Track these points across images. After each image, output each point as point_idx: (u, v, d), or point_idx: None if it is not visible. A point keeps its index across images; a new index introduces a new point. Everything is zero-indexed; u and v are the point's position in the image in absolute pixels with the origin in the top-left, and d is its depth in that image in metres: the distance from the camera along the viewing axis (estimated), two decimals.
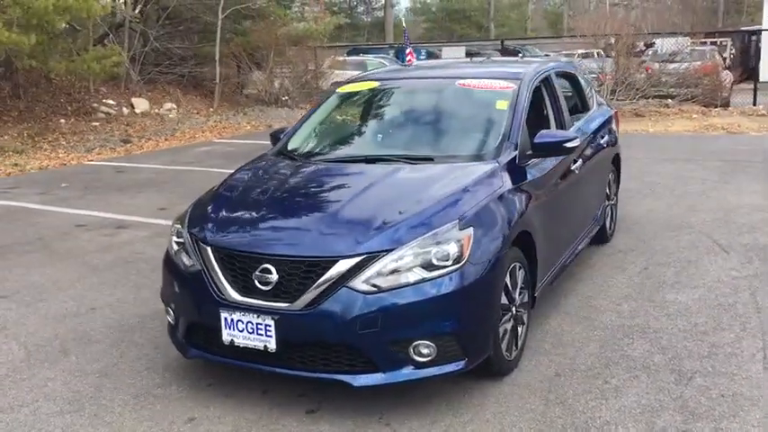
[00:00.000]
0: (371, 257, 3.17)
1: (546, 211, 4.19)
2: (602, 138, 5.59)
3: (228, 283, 3.33)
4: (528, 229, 3.81)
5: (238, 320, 3.27)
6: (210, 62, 17.91)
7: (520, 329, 3.80)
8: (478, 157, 3.99)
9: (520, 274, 3.75)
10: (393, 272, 3.17)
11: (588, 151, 5.15)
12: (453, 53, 18.04)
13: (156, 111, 17.20)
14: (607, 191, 5.85)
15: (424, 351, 3.21)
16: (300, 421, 3.30)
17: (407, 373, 3.22)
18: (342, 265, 3.16)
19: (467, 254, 3.26)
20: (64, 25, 13.51)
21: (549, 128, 4.79)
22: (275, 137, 4.83)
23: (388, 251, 3.19)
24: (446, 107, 4.62)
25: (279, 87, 17.16)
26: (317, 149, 4.53)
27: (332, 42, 22.70)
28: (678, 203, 7.40)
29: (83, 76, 14.87)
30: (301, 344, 3.23)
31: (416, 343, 3.19)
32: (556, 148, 4.12)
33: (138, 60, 17.47)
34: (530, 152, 4.10)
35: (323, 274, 3.17)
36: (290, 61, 17.39)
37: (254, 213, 3.67)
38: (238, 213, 3.69)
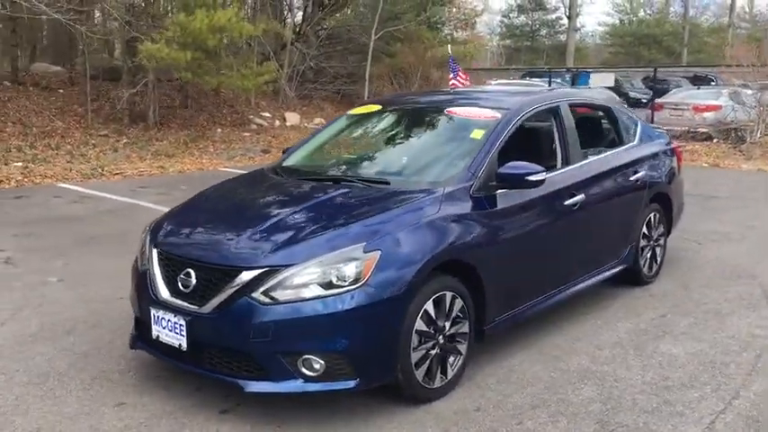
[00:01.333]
0: (273, 271, 3.35)
1: (514, 244, 4.13)
2: (634, 174, 5.32)
3: (163, 283, 3.65)
4: (467, 260, 3.79)
5: (162, 318, 3.59)
6: (361, 80, 18.68)
7: (452, 359, 3.79)
8: (431, 183, 4.02)
9: (455, 304, 3.74)
10: (292, 287, 3.32)
11: (600, 187, 4.94)
12: (601, 80, 17.45)
13: (306, 124, 18.22)
14: (645, 230, 5.54)
15: (314, 366, 3.33)
16: (207, 419, 3.54)
17: (297, 385, 3.36)
18: (245, 276, 3.37)
19: (366, 276, 3.34)
20: (225, 43, 14.70)
21: (549, 160, 4.70)
22: (285, 152, 5.13)
23: (287, 266, 3.35)
24: (425, 134, 4.70)
25: None
26: (300, 167, 4.75)
27: (500, 66, 22.77)
28: (758, 251, 6.78)
29: (240, 90, 16.11)
30: (208, 345, 3.47)
31: (306, 357, 3.32)
32: (518, 181, 4.04)
33: (296, 77, 18.61)
34: (493, 183, 4.06)
35: (229, 283, 3.39)
36: (435, 84, 17.71)
37: (201, 222, 3.98)
38: (188, 221, 4.02)
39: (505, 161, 4.30)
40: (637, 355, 4.33)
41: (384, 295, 3.37)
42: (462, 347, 3.85)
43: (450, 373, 3.79)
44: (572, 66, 36.08)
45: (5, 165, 12.26)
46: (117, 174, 11.97)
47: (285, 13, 18.70)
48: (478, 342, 4.04)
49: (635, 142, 5.59)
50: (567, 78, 24.24)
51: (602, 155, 5.17)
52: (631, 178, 5.30)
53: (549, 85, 19.14)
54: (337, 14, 19.68)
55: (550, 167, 4.72)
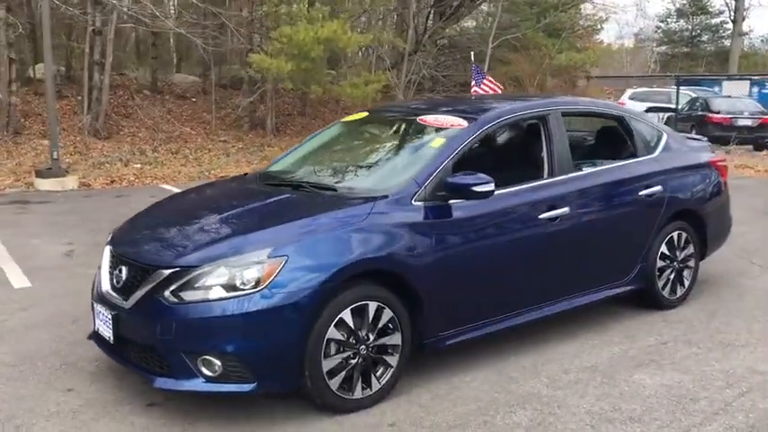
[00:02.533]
0: (183, 271, 3.46)
1: (469, 257, 4.00)
2: (645, 188, 4.93)
3: (106, 279, 3.88)
4: (397, 270, 3.71)
5: (100, 311, 3.81)
6: None
7: (380, 371, 3.72)
8: (372, 191, 3.97)
9: (382, 315, 3.68)
10: (198, 288, 3.42)
11: (593, 201, 4.64)
12: (734, 87, 16.16)
13: None
14: (665, 250, 5.12)
15: (213, 366, 3.41)
16: (132, 411, 3.70)
17: (198, 383, 3.44)
18: (159, 275, 3.51)
19: (267, 281, 3.37)
20: (335, 53, 15.12)
21: (536, 170, 4.50)
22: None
23: (195, 267, 3.45)
24: (392, 142, 4.62)
25: None
26: (276, 172, 4.82)
27: (654, 73, 21.75)
28: None
29: (350, 98, 16.50)
30: (128, 340, 3.64)
31: (205, 357, 3.40)
32: (464, 191, 3.89)
33: (412, 86, 18.78)
34: (442, 193, 3.95)
35: (146, 280, 3.55)
36: (551, 92, 17.21)
37: (149, 223, 4.17)
38: (142, 222, 4.23)
39: (482, 170, 4.17)
40: (601, 383, 4.03)
41: (285, 301, 3.38)
42: (392, 360, 3.77)
43: (376, 386, 3.72)
44: (734, 73, 33.63)
45: (125, 166, 13.35)
46: (222, 175, 12.65)
47: (407, 23, 18.88)
48: (420, 355, 3.93)
49: (654, 155, 5.18)
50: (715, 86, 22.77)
51: (601, 167, 4.84)
52: (641, 193, 4.92)
53: (677, 95, 18.01)
54: (456, 24, 19.61)
55: (537, 178, 4.52)
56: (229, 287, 3.39)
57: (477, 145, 4.28)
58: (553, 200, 4.42)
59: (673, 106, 18.17)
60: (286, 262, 3.43)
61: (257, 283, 3.37)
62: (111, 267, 3.87)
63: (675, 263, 5.23)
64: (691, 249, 5.33)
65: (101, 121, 15.33)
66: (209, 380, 3.43)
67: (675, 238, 5.20)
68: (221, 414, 3.63)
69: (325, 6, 14.73)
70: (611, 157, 5.12)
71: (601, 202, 4.70)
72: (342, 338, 3.57)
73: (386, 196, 3.86)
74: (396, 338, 3.77)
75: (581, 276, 4.67)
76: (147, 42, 18.71)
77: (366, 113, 5.10)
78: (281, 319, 3.38)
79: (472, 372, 4.18)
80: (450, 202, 3.98)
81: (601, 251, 4.74)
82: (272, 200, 4.09)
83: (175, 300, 3.44)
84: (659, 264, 5.13)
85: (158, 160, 14.04)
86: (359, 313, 3.62)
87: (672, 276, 5.23)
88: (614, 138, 5.24)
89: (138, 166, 13.41)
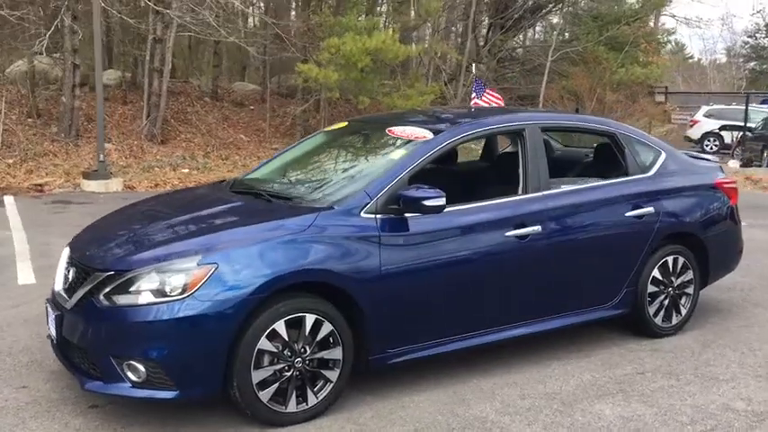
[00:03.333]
0: (117, 275, 3.48)
1: (422, 272, 3.89)
2: (634, 209, 4.69)
3: (60, 278, 3.95)
4: (337, 283, 3.63)
5: (49, 312, 3.87)
6: (535, 102, 18.23)
7: (319, 385, 3.65)
8: (320, 202, 3.91)
9: (321, 328, 3.61)
10: (129, 292, 3.43)
11: (571, 220, 4.44)
12: None
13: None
14: (657, 275, 4.85)
15: (137, 371, 3.41)
16: (72, 411, 3.73)
17: (125, 388, 3.45)
18: (96, 277, 3.54)
19: (193, 288, 3.35)
20: (384, 64, 15.14)
21: (512, 186, 4.36)
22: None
23: (128, 271, 3.47)
24: (359, 153, 4.53)
25: None
26: (248, 179, 4.81)
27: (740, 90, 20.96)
28: None
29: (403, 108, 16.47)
30: (68, 340, 3.68)
31: (130, 362, 3.41)
32: (414, 205, 3.79)
33: (467, 97, 18.62)
34: (395, 206, 3.85)
35: (85, 282, 3.59)
36: (610, 107, 16.74)
37: (106, 226, 4.22)
38: (102, 224, 4.29)
39: (451, 185, 4.08)
40: (556, 411, 3.83)
41: (210, 310, 3.35)
42: (332, 374, 3.69)
43: (313, 400, 3.65)
44: None
45: (173, 170, 13.70)
46: None
47: (467, 34, 18.76)
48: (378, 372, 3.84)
49: (649, 174, 4.91)
50: None
51: (583, 185, 4.63)
52: (629, 213, 4.68)
53: (746, 113, 17.23)
54: (517, 37, 19.36)
55: (511, 194, 4.37)
56: (158, 293, 3.39)
57: (443, 158, 4.14)
58: (523, 217, 4.25)
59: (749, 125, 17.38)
60: (215, 270, 3.40)
61: (183, 289, 3.36)
62: (65, 268, 3.94)
63: (670, 289, 4.95)
64: (689, 275, 5.03)
65: (158, 126, 15.79)
66: (134, 385, 3.43)
67: (671, 262, 4.92)
68: (155, 419, 3.63)
69: (376, 17, 14.73)
70: (601, 175, 4.90)
71: (579, 222, 4.49)
72: (275, 350, 3.51)
73: (331, 207, 3.79)
74: (336, 353, 3.69)
75: (556, 298, 4.47)
76: (209, 51, 19.18)
77: (346, 123, 5.05)
78: (204, 328, 3.35)
79: (427, 391, 4.05)
80: (407, 215, 3.88)
81: (579, 273, 4.53)
82: (223, 207, 4.09)
83: (108, 303, 3.46)
84: (651, 289, 4.86)
85: (207, 166, 14.35)
86: (295, 325, 3.55)
87: (666, 303, 4.95)
88: (606, 155, 5.02)
89: (186, 170, 13.73)
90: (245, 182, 4.71)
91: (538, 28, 21.12)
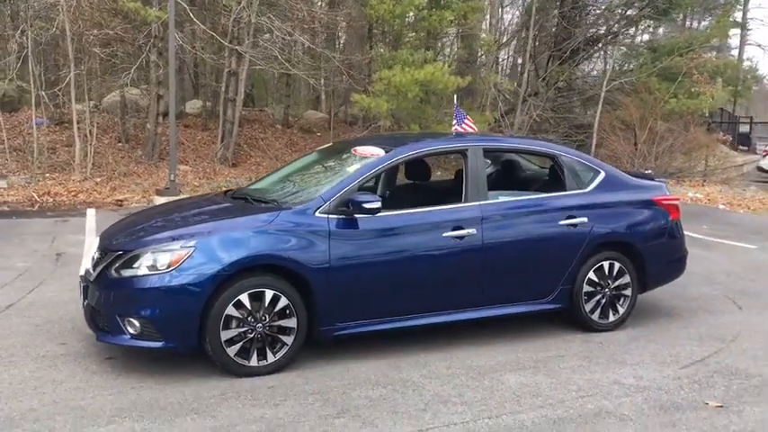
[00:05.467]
0: (125, 254, 4.63)
1: (367, 263, 4.86)
2: (567, 218, 5.51)
3: (90, 260, 5.14)
4: (290, 267, 4.64)
5: (82, 285, 5.05)
6: (589, 131, 18.79)
7: (277, 347, 4.67)
8: (286, 204, 4.96)
9: (278, 301, 4.63)
10: (131, 267, 4.56)
11: (506, 225, 5.31)
12: None
13: None
14: (592, 276, 5.63)
15: (134, 326, 4.52)
16: (93, 360, 4.88)
17: (126, 339, 4.57)
18: (110, 256, 4.71)
19: (176, 264, 4.45)
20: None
21: (457, 196, 5.28)
22: None
23: (131, 251, 4.61)
24: (331, 167, 5.56)
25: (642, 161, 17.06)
26: (248, 188, 5.93)
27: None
28: None
29: None
30: (91, 305, 4.84)
31: (129, 319, 4.53)
32: (357, 207, 4.77)
33: (525, 127, 19.38)
34: (343, 208, 4.85)
35: (104, 260, 4.76)
36: (661, 137, 17.12)
37: (130, 222, 5.38)
38: (125, 221, 5.46)
39: (405, 194, 5.04)
40: (468, 378, 4.69)
41: (187, 281, 4.43)
42: (288, 339, 4.70)
43: (272, 358, 4.66)
44: None
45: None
46: None
47: (524, 66, 19.59)
48: (319, 340, 4.85)
49: (587, 189, 5.72)
50: None
51: (518, 197, 5.50)
52: (562, 222, 5.50)
53: None
54: (574, 68, 20.00)
55: (454, 203, 5.30)
56: (152, 268, 4.50)
57: (417, 174, 5.12)
58: (460, 221, 5.16)
59: None
60: (193, 251, 4.49)
61: (169, 265, 4.46)
62: (95, 252, 5.12)
63: (606, 290, 5.70)
64: (626, 279, 5.77)
65: (231, 150, 17.32)
66: (132, 337, 4.55)
67: (606, 266, 5.68)
68: (152, 369, 4.72)
69: (427, 51, 15.80)
70: (543, 189, 5.74)
71: (512, 227, 5.35)
72: (240, 316, 4.56)
73: (291, 208, 4.83)
74: (291, 322, 4.70)
75: (492, 291, 5.33)
76: (281, 83, 20.73)
77: (331, 144, 6.10)
78: (182, 295, 4.43)
79: (371, 360, 4.99)
80: (357, 216, 4.87)
81: (513, 270, 5.38)
82: (214, 207, 5.21)
83: (116, 275, 4.60)
84: (586, 288, 5.63)
85: None
86: (257, 298, 4.59)
87: (603, 302, 5.70)
88: (549, 173, 5.85)
89: None
90: (243, 190, 5.84)
91: (594, 59, 21.69)
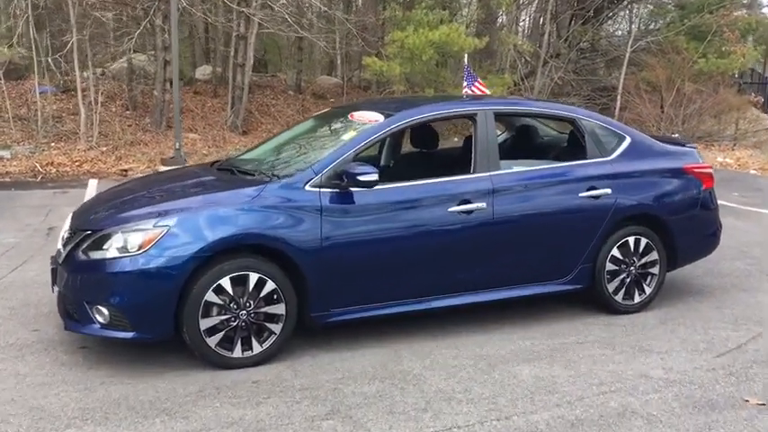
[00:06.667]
0: (93, 233, 4.16)
1: (364, 241, 4.36)
2: (588, 189, 4.95)
3: (61, 239, 4.67)
4: (278, 247, 4.15)
5: (51, 268, 4.59)
6: (613, 93, 18.04)
7: (264, 336, 4.20)
8: (272, 176, 4.45)
9: (264, 286, 4.15)
10: (100, 248, 4.09)
11: (520, 198, 4.78)
12: None
13: None
14: (616, 253, 5.08)
15: (103, 314, 4.06)
16: (65, 350, 4.44)
17: (95, 329, 4.12)
18: (79, 236, 4.24)
19: (147, 246, 3.97)
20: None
21: (466, 166, 4.74)
22: None
23: (99, 230, 4.14)
24: (324, 134, 5.02)
25: (669, 124, 16.28)
26: (234, 159, 5.42)
27: None
28: None
29: None
30: (60, 290, 4.39)
31: (97, 306, 4.07)
32: (352, 180, 4.25)
33: (546, 90, 18.63)
34: (337, 181, 4.34)
35: (72, 240, 4.29)
36: (689, 99, 16.31)
37: (105, 198, 4.89)
38: (101, 197, 4.98)
39: (406, 164, 4.52)
40: (476, 370, 4.21)
41: (160, 264, 3.96)
42: (275, 327, 4.23)
43: (258, 348, 4.20)
44: None
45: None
46: None
47: (545, 27, 18.75)
48: (310, 327, 4.38)
49: (609, 157, 5.14)
50: None
51: (533, 167, 4.94)
52: (582, 194, 4.95)
53: None
54: (597, 27, 19.13)
55: (462, 173, 4.76)
56: (122, 249, 4.03)
57: (397, 140, 4.58)
58: (467, 194, 4.62)
59: None
60: (167, 231, 4.00)
61: (140, 247, 3.98)
62: (65, 230, 4.66)
63: (632, 268, 5.16)
64: (654, 256, 5.22)
65: (240, 117, 16.80)
66: (102, 326, 4.10)
67: (632, 242, 5.14)
68: (126, 359, 4.28)
69: (443, 11, 15.09)
70: (561, 158, 5.18)
71: (526, 200, 4.81)
72: (221, 303, 4.08)
73: (279, 180, 4.32)
74: (279, 308, 4.22)
75: (503, 271, 4.81)
76: (293, 47, 20.08)
77: (329, 109, 5.56)
78: (154, 280, 3.96)
79: (369, 348, 4.51)
80: (352, 190, 4.35)
81: (527, 248, 4.85)
82: (194, 181, 4.72)
83: (84, 257, 4.13)
84: (609, 266, 5.10)
85: None
86: (240, 282, 4.11)
87: (627, 281, 5.17)
88: (568, 140, 5.28)
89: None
90: (230, 161, 5.33)
91: (619, 18, 20.80)
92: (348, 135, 4.62)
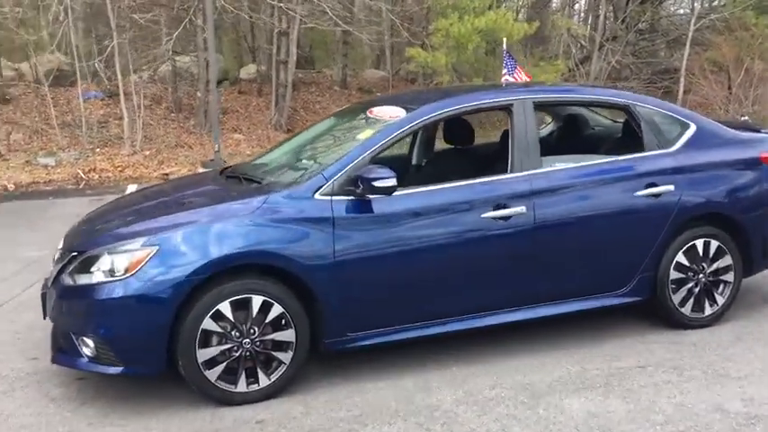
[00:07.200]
0: (79, 255, 3.70)
1: (383, 256, 3.81)
2: (647, 187, 4.28)
3: (54, 260, 4.24)
4: (285, 266, 3.63)
5: (41, 292, 4.16)
6: (676, 75, 17.01)
7: (272, 366, 3.69)
8: (274, 184, 3.94)
9: (271, 310, 3.64)
10: (86, 271, 3.63)
11: (566, 199, 4.14)
12: None
13: None
14: (682, 259, 4.40)
15: (89, 347, 3.61)
16: (59, 383, 4.00)
17: (83, 363, 3.66)
18: (66, 257, 3.79)
19: (135, 269, 3.49)
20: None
21: (502, 165, 4.15)
22: None
23: (85, 252, 3.68)
24: (342, 133, 4.47)
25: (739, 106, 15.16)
26: (246, 165, 4.89)
27: None
28: None
29: None
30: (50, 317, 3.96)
31: (83, 338, 3.62)
32: (368, 186, 3.69)
33: (602, 75, 17.69)
34: (352, 188, 3.78)
35: (60, 262, 3.85)
36: (760, 78, 15.18)
37: (101, 213, 4.43)
38: (98, 212, 4.53)
39: (431, 166, 3.97)
40: (518, 404, 3.60)
41: (150, 290, 3.47)
42: (284, 356, 3.71)
43: (265, 381, 3.69)
44: None
45: None
46: None
47: (600, 9, 17.82)
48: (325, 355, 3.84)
49: (671, 149, 4.44)
50: None
51: (580, 163, 4.28)
52: (640, 192, 4.27)
53: None
54: (658, 6, 18.06)
55: (498, 173, 4.17)
56: (109, 273, 3.56)
57: (429, 136, 4.03)
58: (503, 198, 4.02)
59: None
60: (157, 251, 3.52)
61: (126, 270, 3.51)
62: (58, 250, 4.23)
63: (701, 275, 4.46)
64: (727, 261, 4.51)
65: (285, 116, 16.41)
66: (90, 359, 3.63)
67: (700, 246, 4.44)
68: (125, 394, 3.83)
69: None
70: (614, 151, 4.51)
71: (572, 202, 4.16)
72: (221, 330, 3.58)
73: (285, 189, 3.79)
74: (288, 335, 3.70)
75: (549, 285, 4.18)
76: (339, 42, 19.59)
77: (349, 105, 5.00)
78: (143, 308, 3.48)
79: (395, 377, 3.96)
80: (369, 197, 3.79)
81: (577, 257, 4.21)
82: (196, 191, 4.23)
83: (71, 281, 3.68)
84: (674, 275, 4.41)
85: None
86: (242, 306, 3.60)
87: (696, 291, 4.47)
88: (621, 130, 4.61)
89: None
90: (241, 166, 4.83)
91: None
92: (364, 134, 4.05)
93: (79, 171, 13.04)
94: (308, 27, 16.89)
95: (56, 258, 4.05)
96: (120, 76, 14.69)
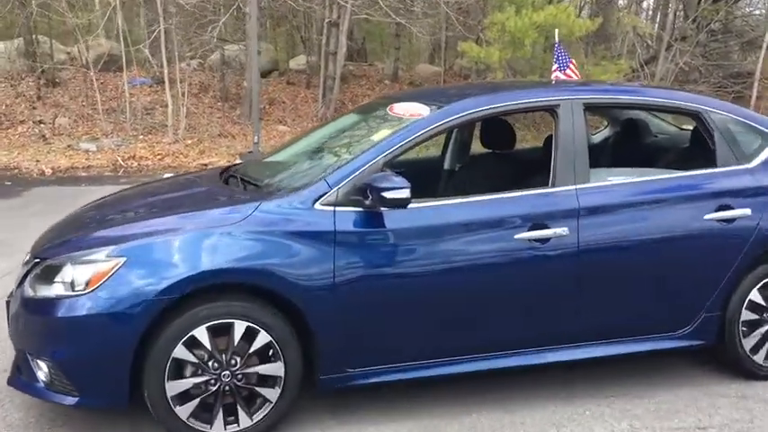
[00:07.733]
0: (41, 262, 3.20)
1: (395, 280, 3.21)
2: (717, 210, 3.57)
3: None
4: (274, 288, 3.06)
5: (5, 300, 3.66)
6: (747, 79, 15.92)
7: (255, 404, 3.14)
8: (270, 189, 3.39)
9: (256, 338, 3.08)
10: (51, 282, 3.10)
11: (617, 221, 3.46)
12: None
13: None
14: (757, 297, 3.69)
15: (43, 371, 3.10)
16: (22, 402, 3.53)
17: (38, 389, 3.15)
18: (30, 263, 3.29)
19: (96, 284, 2.96)
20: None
21: (543, 177, 3.50)
22: None
23: (46, 259, 3.17)
24: (353, 134, 3.86)
25: None
26: (253, 163, 4.37)
27: None
28: None
29: None
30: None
31: (38, 360, 3.11)
32: (377, 197, 3.08)
33: (669, 76, 16.68)
34: (359, 197, 3.18)
35: (25, 267, 3.35)
36: None
37: (82, 213, 3.88)
38: (79, 211, 3.99)
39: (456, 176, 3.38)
40: None
41: (111, 308, 2.94)
42: (271, 393, 3.14)
43: (246, 422, 3.13)
44: None
45: None
46: None
47: (669, 7, 16.80)
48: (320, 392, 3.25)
49: (749, 165, 3.72)
50: None
51: (637, 178, 3.59)
52: (709, 216, 3.56)
53: None
54: (727, 6, 16.92)
55: (538, 186, 3.52)
56: (69, 286, 3.04)
57: (465, 138, 3.52)
58: (542, 216, 3.36)
59: None
60: (123, 264, 2.98)
61: (87, 284, 2.98)
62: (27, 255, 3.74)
63: None
64: None
65: (332, 109, 15.89)
66: (46, 386, 3.12)
67: None
68: (96, 417, 3.32)
69: None
70: (679, 165, 3.80)
71: (628, 225, 3.47)
72: (195, 360, 3.03)
73: (280, 196, 3.21)
74: (276, 368, 3.13)
75: (594, 321, 3.51)
76: (391, 35, 19.01)
77: (373, 100, 4.40)
78: (103, 330, 2.94)
79: (400, 419, 3.35)
80: (381, 209, 3.19)
81: (627, 289, 3.52)
82: (182, 193, 3.70)
83: (31, 293, 3.17)
84: (747, 315, 3.70)
85: None
86: (222, 332, 3.05)
87: None
88: (689, 140, 3.90)
89: None
90: (244, 165, 4.27)
91: None
92: (379, 134, 3.44)
93: (118, 158, 12.76)
94: (363, 19, 16.36)
95: (23, 262, 3.56)
96: (165, 63, 14.37)
